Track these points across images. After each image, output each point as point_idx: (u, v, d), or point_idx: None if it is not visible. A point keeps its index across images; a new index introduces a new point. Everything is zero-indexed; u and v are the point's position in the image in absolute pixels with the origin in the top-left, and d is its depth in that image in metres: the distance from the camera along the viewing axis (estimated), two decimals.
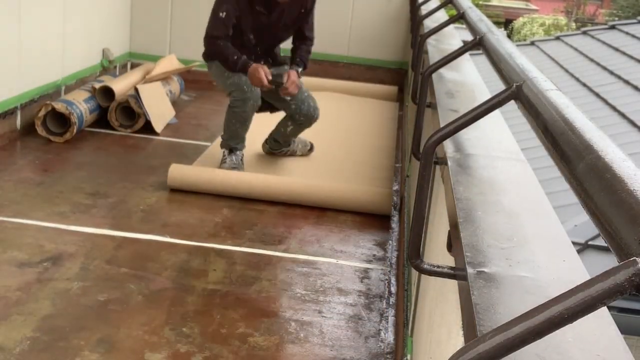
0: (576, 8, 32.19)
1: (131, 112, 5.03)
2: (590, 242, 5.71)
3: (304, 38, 4.52)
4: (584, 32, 14.11)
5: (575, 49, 12.54)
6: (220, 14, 4.19)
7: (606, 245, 0.67)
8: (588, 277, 0.68)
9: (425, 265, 1.41)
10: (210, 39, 4.24)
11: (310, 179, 4.24)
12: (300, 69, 4.39)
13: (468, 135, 1.85)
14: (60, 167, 4.29)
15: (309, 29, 4.52)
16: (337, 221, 3.90)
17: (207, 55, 4.32)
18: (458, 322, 1.13)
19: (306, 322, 2.81)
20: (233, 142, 4.32)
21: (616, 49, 11.83)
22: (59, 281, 2.92)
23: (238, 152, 4.34)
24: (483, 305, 0.95)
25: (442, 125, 1.60)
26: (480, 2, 29.05)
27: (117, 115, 5.04)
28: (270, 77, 4.19)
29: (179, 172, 4.06)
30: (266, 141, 4.68)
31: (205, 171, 4.13)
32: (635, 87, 9.59)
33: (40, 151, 4.51)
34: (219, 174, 4.12)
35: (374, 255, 3.53)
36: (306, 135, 4.66)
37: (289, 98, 4.38)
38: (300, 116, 4.46)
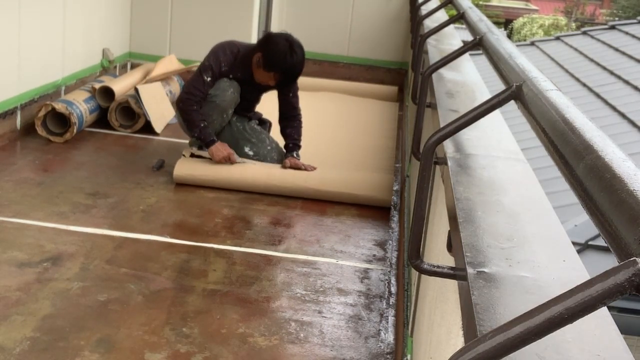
0: (576, 8, 32.21)
1: (131, 112, 5.03)
2: (590, 242, 5.72)
3: (292, 114, 4.40)
4: (584, 32, 14.13)
5: (575, 49, 12.56)
6: (205, 77, 4.16)
7: (606, 245, 0.67)
8: (588, 277, 0.68)
9: (425, 265, 1.41)
10: (187, 99, 4.17)
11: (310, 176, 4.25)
12: (297, 152, 4.34)
13: (468, 135, 1.85)
14: (60, 167, 4.29)
15: (295, 98, 4.41)
16: (337, 221, 3.90)
17: (178, 109, 4.28)
18: (458, 322, 1.13)
19: (306, 322, 2.81)
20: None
21: (616, 49, 11.85)
22: (59, 281, 2.92)
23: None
24: (483, 305, 0.95)
25: (442, 125, 1.60)
26: (480, 2, 29.07)
27: (117, 115, 5.04)
28: (234, 157, 4.19)
29: (185, 164, 4.16)
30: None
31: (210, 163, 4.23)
32: (635, 87, 9.60)
33: (40, 151, 4.51)
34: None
35: (374, 255, 3.53)
36: (306, 135, 4.64)
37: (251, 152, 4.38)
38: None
